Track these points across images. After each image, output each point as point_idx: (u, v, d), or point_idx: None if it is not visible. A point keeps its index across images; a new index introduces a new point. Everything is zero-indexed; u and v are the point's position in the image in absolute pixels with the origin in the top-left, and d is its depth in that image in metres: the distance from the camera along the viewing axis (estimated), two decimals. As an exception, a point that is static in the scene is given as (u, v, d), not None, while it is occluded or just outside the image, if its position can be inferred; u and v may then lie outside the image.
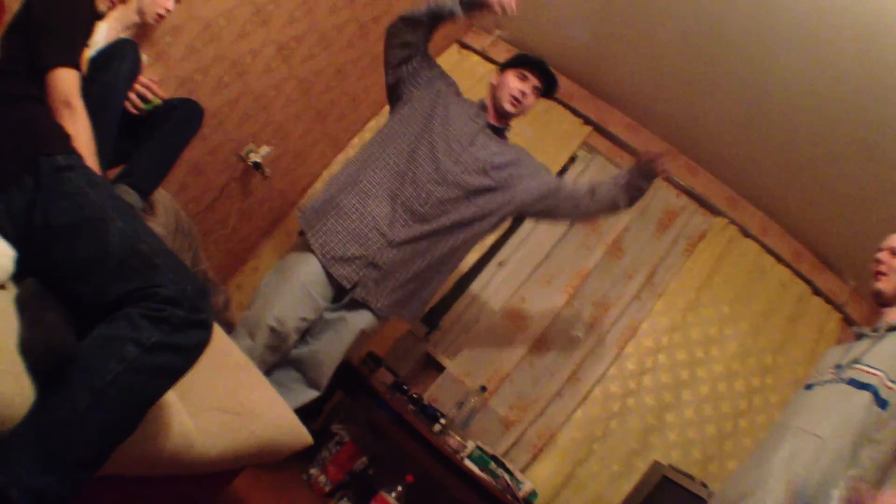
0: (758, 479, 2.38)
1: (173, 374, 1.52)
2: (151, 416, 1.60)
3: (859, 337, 2.62)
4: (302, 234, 3.39)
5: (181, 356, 1.50)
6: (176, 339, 1.46)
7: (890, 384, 2.30)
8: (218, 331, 2.55)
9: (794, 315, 4.96)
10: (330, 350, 3.36)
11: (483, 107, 3.60)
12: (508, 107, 3.53)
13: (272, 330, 3.23)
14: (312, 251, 3.27)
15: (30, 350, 1.35)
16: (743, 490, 2.42)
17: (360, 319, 3.37)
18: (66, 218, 1.55)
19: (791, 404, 2.74)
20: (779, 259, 5.10)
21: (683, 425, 4.65)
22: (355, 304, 3.35)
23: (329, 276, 3.28)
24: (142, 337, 1.42)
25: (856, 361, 2.46)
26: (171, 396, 1.73)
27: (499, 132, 3.60)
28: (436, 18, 3.28)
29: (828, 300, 5.04)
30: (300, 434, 2.60)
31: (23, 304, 1.44)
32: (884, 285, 2.63)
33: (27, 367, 1.33)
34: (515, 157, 3.58)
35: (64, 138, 1.84)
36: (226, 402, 2.14)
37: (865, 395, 2.32)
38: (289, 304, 3.24)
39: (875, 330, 2.55)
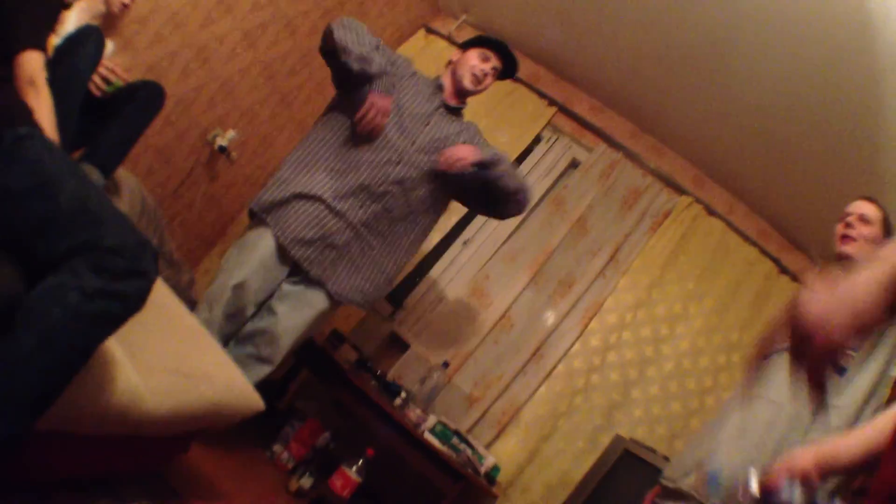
0: (712, 446, 2.40)
1: (113, 321, 1.59)
2: (99, 371, 1.67)
3: None
4: (254, 215, 3.44)
5: (121, 303, 1.57)
6: (116, 286, 1.54)
7: (849, 351, 2.29)
8: (171, 297, 2.62)
9: (760, 293, 5.00)
10: (286, 324, 3.38)
11: (440, 87, 3.63)
12: (469, 84, 3.58)
13: (232, 296, 3.28)
14: (271, 233, 3.34)
15: None
16: (699, 456, 2.44)
17: (317, 299, 3.42)
18: (23, 182, 1.62)
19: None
20: (745, 238, 5.14)
21: (649, 402, 4.70)
22: (312, 282, 3.39)
23: (286, 253, 3.34)
24: (84, 284, 1.50)
25: None
26: (119, 354, 1.78)
27: (455, 111, 3.64)
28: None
29: (795, 279, 5.07)
30: (251, 399, 2.64)
31: None
32: (852, 251, 2.60)
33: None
34: (470, 138, 3.61)
35: (26, 112, 1.92)
36: (176, 364, 2.17)
37: None
38: (248, 273, 3.29)
39: None
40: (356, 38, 3.25)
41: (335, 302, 3.47)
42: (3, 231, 1.61)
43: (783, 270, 5.11)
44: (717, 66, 4.23)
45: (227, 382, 2.48)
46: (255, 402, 2.67)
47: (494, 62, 3.62)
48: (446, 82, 3.65)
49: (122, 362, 1.79)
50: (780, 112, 4.16)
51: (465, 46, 3.72)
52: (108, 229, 1.60)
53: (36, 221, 1.59)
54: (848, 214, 2.69)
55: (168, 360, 2.15)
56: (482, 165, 3.36)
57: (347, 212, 3.34)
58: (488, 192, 3.51)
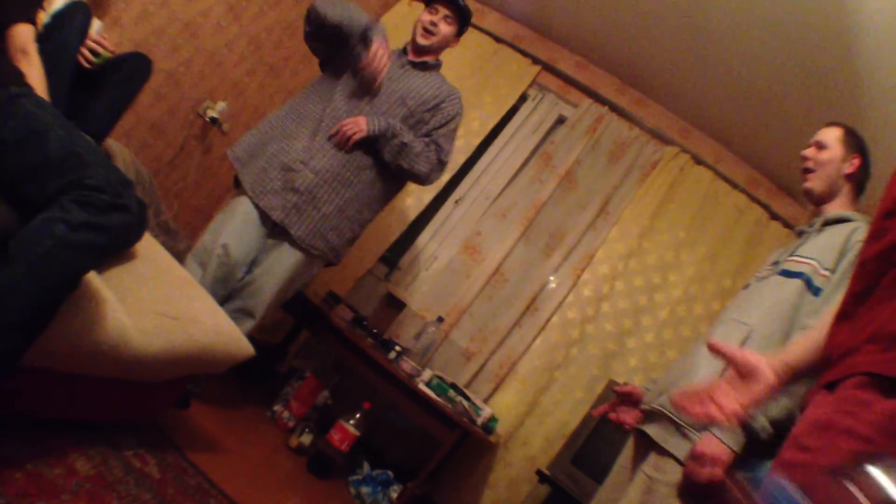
0: (688, 367, 2.43)
1: (98, 251, 1.74)
2: (89, 310, 1.80)
3: (800, 235, 2.60)
4: (238, 184, 3.56)
5: (104, 235, 1.72)
6: (100, 219, 1.70)
7: (824, 272, 2.29)
8: (163, 252, 2.71)
9: (751, 239, 5.04)
10: (267, 278, 3.48)
11: (404, 49, 3.79)
12: (421, 39, 3.73)
13: (220, 255, 3.38)
14: (244, 189, 3.45)
15: None
16: (674, 377, 2.47)
17: (291, 249, 3.51)
18: (16, 133, 1.77)
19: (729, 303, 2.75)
20: (733, 185, 5.18)
21: (644, 350, 4.77)
22: (285, 234, 3.49)
23: (261, 212, 3.44)
24: (70, 217, 1.65)
25: (790, 255, 2.46)
26: (109, 295, 1.90)
27: (422, 66, 3.77)
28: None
29: (786, 224, 5.10)
30: (241, 344, 2.72)
31: None
32: (812, 183, 2.57)
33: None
34: (440, 93, 3.74)
35: (19, 75, 2.06)
36: (165, 307, 2.26)
37: (796, 283, 2.31)
38: (233, 234, 3.40)
39: (811, 226, 2.53)
40: (347, 8, 3.45)
41: (303, 249, 3.53)
42: (0, 177, 1.75)
43: (774, 216, 5.15)
44: (695, 15, 4.26)
45: (216, 326, 2.56)
46: (245, 347, 2.75)
47: (444, 11, 3.75)
48: (409, 44, 3.80)
49: (112, 302, 1.90)
50: (760, 57, 4.20)
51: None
52: (94, 170, 1.74)
53: (29, 167, 1.74)
54: (808, 147, 2.66)
55: (157, 303, 2.24)
56: (372, 139, 3.53)
57: (311, 159, 3.46)
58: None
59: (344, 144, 3.47)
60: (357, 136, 3.46)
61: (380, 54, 3.41)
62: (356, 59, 3.50)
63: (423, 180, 3.73)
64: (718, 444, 2.06)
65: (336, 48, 3.58)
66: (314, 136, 3.50)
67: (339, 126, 3.48)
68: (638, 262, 4.97)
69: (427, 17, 3.75)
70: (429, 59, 3.79)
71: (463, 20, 3.83)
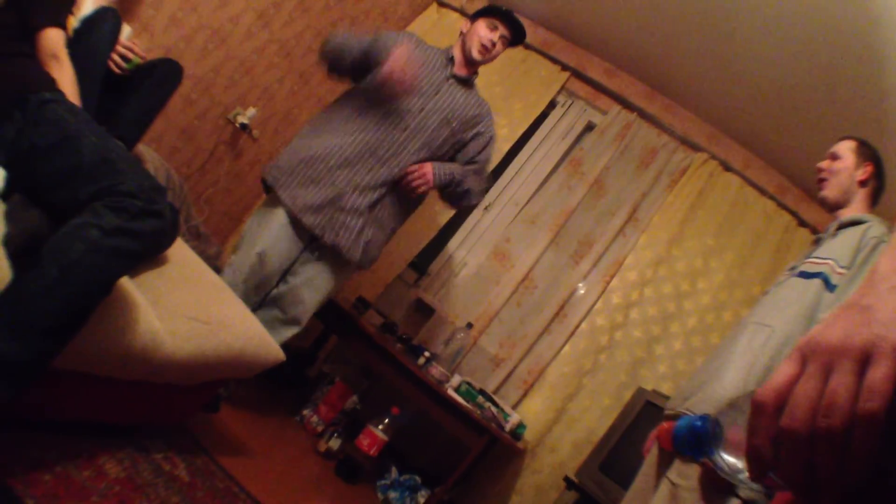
0: (713, 371, 2.43)
1: (130, 256, 1.75)
2: (122, 313, 1.81)
3: (817, 242, 2.66)
4: (270, 190, 3.54)
5: (137, 240, 1.73)
6: (133, 225, 1.71)
7: (840, 270, 2.34)
8: (195, 257, 2.73)
9: (780, 245, 5.00)
10: (310, 286, 3.52)
11: (450, 58, 3.72)
12: (477, 55, 3.67)
13: (256, 262, 3.40)
14: (282, 204, 3.44)
15: (9, 240, 1.61)
16: (699, 381, 2.48)
17: (334, 263, 3.54)
18: (48, 139, 1.80)
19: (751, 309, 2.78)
20: (762, 192, 5.14)
21: (672, 357, 4.73)
22: (327, 248, 3.49)
23: (300, 224, 3.44)
24: (103, 222, 1.66)
25: (807, 257, 2.52)
26: (141, 299, 1.92)
27: (465, 82, 3.73)
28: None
29: (814, 231, 5.02)
30: (271, 349, 2.73)
31: (9, 211, 1.68)
32: (827, 192, 2.68)
33: (7, 256, 1.58)
34: (479, 113, 3.74)
35: (50, 81, 2.09)
36: (197, 312, 2.28)
37: (815, 282, 2.37)
38: (270, 242, 3.41)
39: (827, 231, 2.61)
40: (347, 37, 3.52)
41: (348, 263, 3.57)
42: (33, 182, 1.78)
43: (802, 223, 5.11)
44: (723, 22, 4.25)
45: (247, 331, 2.58)
46: (275, 352, 2.76)
47: (502, 31, 3.69)
48: (456, 53, 3.74)
49: (144, 307, 1.92)
50: (787, 64, 4.18)
51: (475, 17, 3.79)
52: (126, 176, 1.76)
53: (61, 173, 1.76)
54: (823, 160, 2.77)
55: (189, 308, 2.26)
56: (441, 189, 3.65)
57: (355, 176, 3.45)
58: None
59: (411, 193, 3.55)
60: (423, 189, 3.55)
61: (395, 74, 3.32)
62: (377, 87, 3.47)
63: (472, 208, 3.78)
64: None
65: (362, 74, 3.58)
66: (360, 148, 3.47)
67: (408, 175, 3.51)
68: (667, 268, 4.95)
69: (487, 34, 3.66)
70: (474, 73, 3.78)
71: (516, 42, 3.82)
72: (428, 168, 3.53)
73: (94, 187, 1.72)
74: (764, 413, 0.74)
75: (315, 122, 3.63)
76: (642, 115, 5.34)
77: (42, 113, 1.85)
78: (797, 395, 0.72)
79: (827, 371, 0.71)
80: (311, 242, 3.53)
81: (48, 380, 1.71)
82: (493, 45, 3.68)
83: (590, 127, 5.51)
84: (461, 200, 3.75)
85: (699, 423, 0.99)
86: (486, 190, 3.86)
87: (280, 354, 2.80)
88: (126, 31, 3.11)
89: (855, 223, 2.51)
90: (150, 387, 2.23)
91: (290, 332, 3.51)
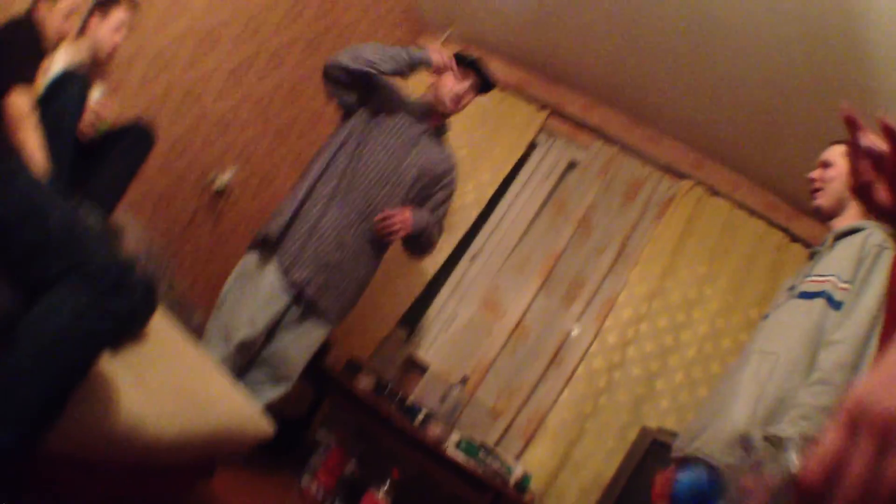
0: (718, 405, 2.39)
1: (104, 337, 1.69)
2: (102, 395, 1.74)
3: (812, 256, 2.62)
4: (255, 245, 3.51)
5: (109, 320, 1.67)
6: (105, 303, 1.64)
7: (843, 285, 2.29)
8: (173, 328, 2.63)
9: (775, 264, 4.94)
10: (297, 344, 3.49)
11: (424, 111, 3.71)
12: (450, 106, 3.67)
13: (246, 331, 3.33)
14: (272, 259, 3.41)
15: None
16: (705, 418, 2.43)
17: (318, 320, 3.52)
18: (12, 211, 1.71)
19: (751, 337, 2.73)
20: (751, 212, 5.09)
21: (674, 390, 4.66)
22: (311, 304, 3.47)
23: (288, 280, 3.39)
24: (75, 302, 1.61)
25: (806, 276, 2.47)
26: (121, 379, 1.84)
27: (439, 131, 3.76)
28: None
29: (807, 245, 4.92)
30: (258, 424, 2.64)
31: None
32: (821, 201, 2.60)
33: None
34: (448, 169, 3.78)
35: (14, 150, 2.05)
36: (180, 390, 2.20)
37: (818, 302, 2.31)
38: (256, 306, 3.35)
39: (822, 244, 2.55)
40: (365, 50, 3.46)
41: (329, 321, 3.57)
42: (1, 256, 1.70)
43: (794, 238, 5.03)
44: (697, 43, 4.21)
45: (233, 407, 2.50)
46: (263, 427, 2.68)
47: (472, 79, 3.69)
48: (430, 104, 3.73)
49: (125, 389, 1.82)
50: (769, 78, 4.13)
51: None
52: (95, 252, 1.70)
53: (28, 247, 1.68)
54: (814, 169, 2.69)
55: (172, 386, 2.19)
56: (411, 236, 3.65)
57: (341, 232, 3.45)
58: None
59: (387, 236, 3.53)
60: (402, 234, 3.55)
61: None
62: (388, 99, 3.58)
63: (426, 257, 3.80)
64: None
65: (367, 94, 3.58)
66: (345, 205, 3.47)
67: (389, 220, 3.48)
68: (661, 301, 4.89)
69: (455, 87, 3.65)
70: (445, 123, 3.78)
71: (486, 89, 3.82)
72: (408, 214, 3.54)
73: (62, 263, 1.65)
74: (813, 499, 0.65)
75: (299, 185, 3.57)
76: (624, 147, 5.30)
77: (6, 184, 1.77)
78: (851, 479, 0.63)
79: (883, 447, 0.61)
80: (298, 299, 3.47)
81: (33, 463, 1.65)
82: (464, 93, 3.68)
83: (572, 165, 5.45)
84: (425, 250, 3.83)
85: (701, 484, 0.94)
86: (440, 237, 3.91)
87: (268, 430, 2.71)
88: (98, 90, 3.04)
89: (853, 231, 2.44)
90: (140, 469, 2.14)
91: (280, 391, 3.49)
